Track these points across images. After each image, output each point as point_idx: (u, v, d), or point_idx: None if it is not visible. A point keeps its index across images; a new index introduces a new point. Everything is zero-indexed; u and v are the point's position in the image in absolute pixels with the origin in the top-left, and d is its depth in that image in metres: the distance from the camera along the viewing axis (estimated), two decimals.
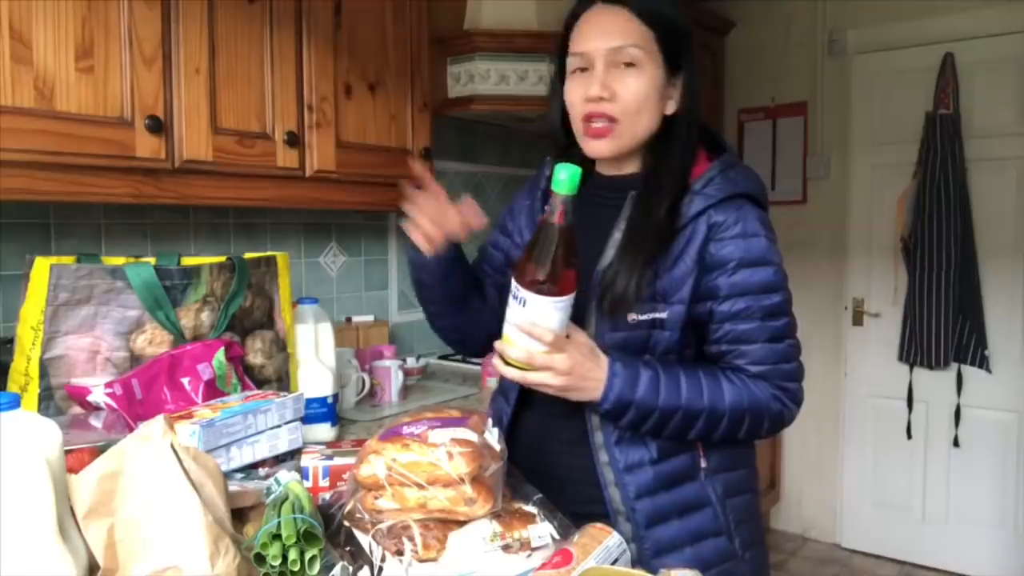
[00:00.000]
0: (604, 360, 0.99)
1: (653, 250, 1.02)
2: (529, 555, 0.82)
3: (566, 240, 0.90)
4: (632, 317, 1.02)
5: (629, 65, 1.03)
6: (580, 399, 1.00)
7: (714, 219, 1.03)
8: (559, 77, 1.11)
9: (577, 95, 1.05)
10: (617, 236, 1.06)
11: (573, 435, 1.08)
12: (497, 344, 0.97)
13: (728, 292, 1.03)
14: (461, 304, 1.20)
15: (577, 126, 1.07)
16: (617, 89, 1.02)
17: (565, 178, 0.89)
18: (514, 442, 1.11)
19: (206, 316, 1.31)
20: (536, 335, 0.92)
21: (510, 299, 0.93)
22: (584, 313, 1.03)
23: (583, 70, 1.05)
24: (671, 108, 1.08)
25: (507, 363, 0.96)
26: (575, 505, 0.99)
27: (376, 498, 0.85)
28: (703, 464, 1.08)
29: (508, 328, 0.94)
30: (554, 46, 1.12)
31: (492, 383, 1.99)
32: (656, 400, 1.00)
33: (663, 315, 1.03)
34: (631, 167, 1.12)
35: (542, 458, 1.10)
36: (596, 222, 1.08)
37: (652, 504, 1.05)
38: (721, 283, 1.03)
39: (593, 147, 1.06)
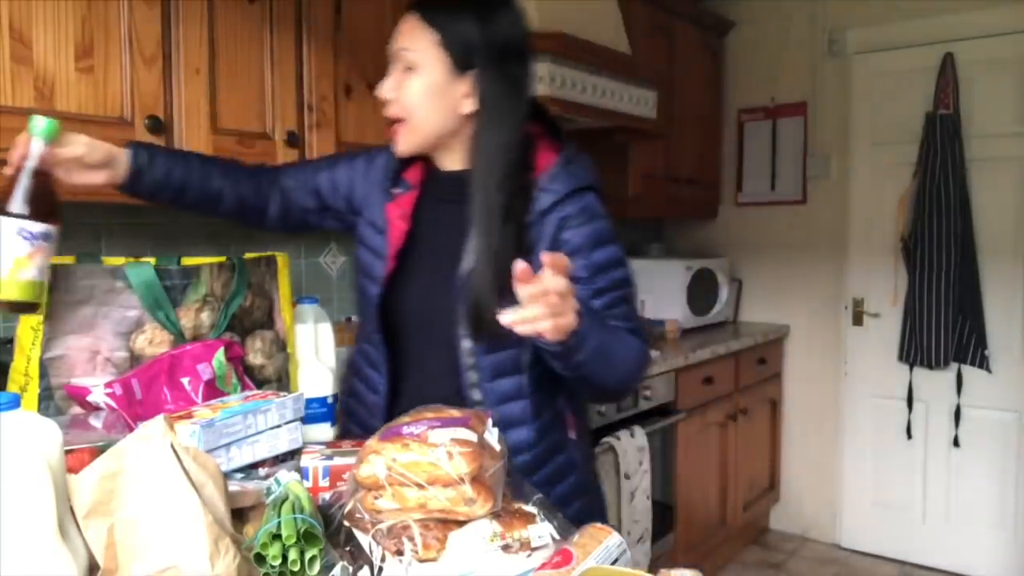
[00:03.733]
0: None
1: (508, 252, 1.05)
2: (529, 555, 0.82)
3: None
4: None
5: (410, 68, 1.10)
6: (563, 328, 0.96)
7: (563, 212, 1.11)
8: None
9: None
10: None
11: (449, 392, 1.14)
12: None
13: (590, 272, 1.11)
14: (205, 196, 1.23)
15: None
16: (399, 91, 1.11)
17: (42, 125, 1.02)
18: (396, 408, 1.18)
19: (206, 316, 1.31)
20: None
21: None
22: (456, 316, 1.10)
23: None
24: (469, 107, 1.11)
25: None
26: None
27: (376, 498, 0.85)
28: (572, 436, 1.21)
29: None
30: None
31: None
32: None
33: None
34: (459, 163, 1.17)
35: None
36: (450, 219, 1.12)
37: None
38: (581, 266, 1.10)
39: (394, 146, 1.16)
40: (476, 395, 1.14)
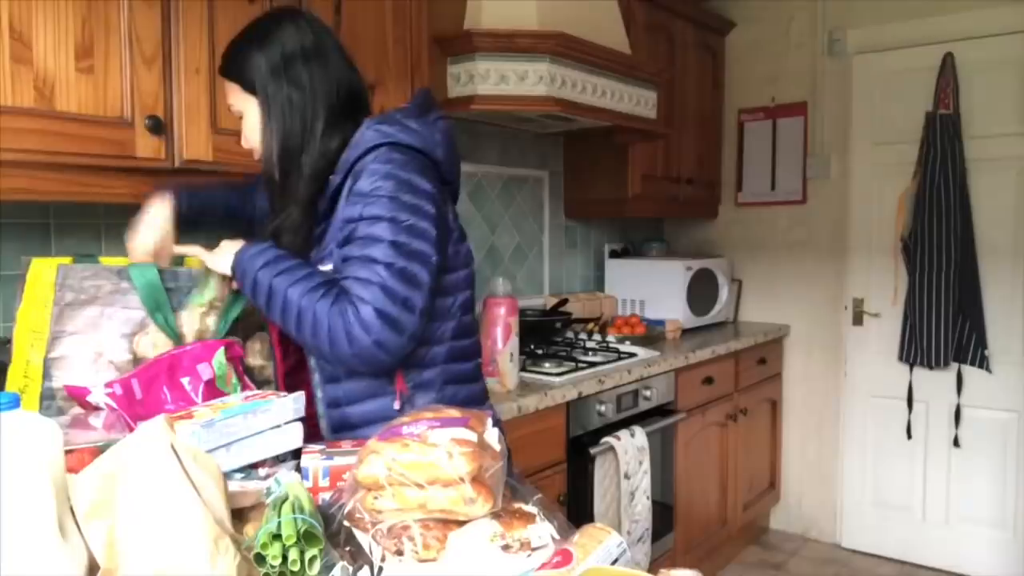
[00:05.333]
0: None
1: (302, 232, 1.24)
2: (529, 555, 0.82)
3: None
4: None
5: (240, 118, 1.26)
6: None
7: (355, 171, 1.18)
8: None
9: None
10: None
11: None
12: None
13: (342, 225, 1.17)
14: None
15: None
16: (245, 139, 1.28)
17: None
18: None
19: (211, 321, 1.30)
20: None
21: None
22: None
23: None
24: None
25: None
26: None
27: (376, 498, 0.85)
28: (396, 406, 1.21)
29: None
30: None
31: (491, 382, 1.99)
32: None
33: (328, 267, 1.18)
34: None
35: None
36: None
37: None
38: (339, 222, 1.18)
39: None
40: (311, 362, 1.27)
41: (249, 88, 1.22)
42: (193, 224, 1.36)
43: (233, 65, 1.24)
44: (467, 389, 1.28)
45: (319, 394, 1.27)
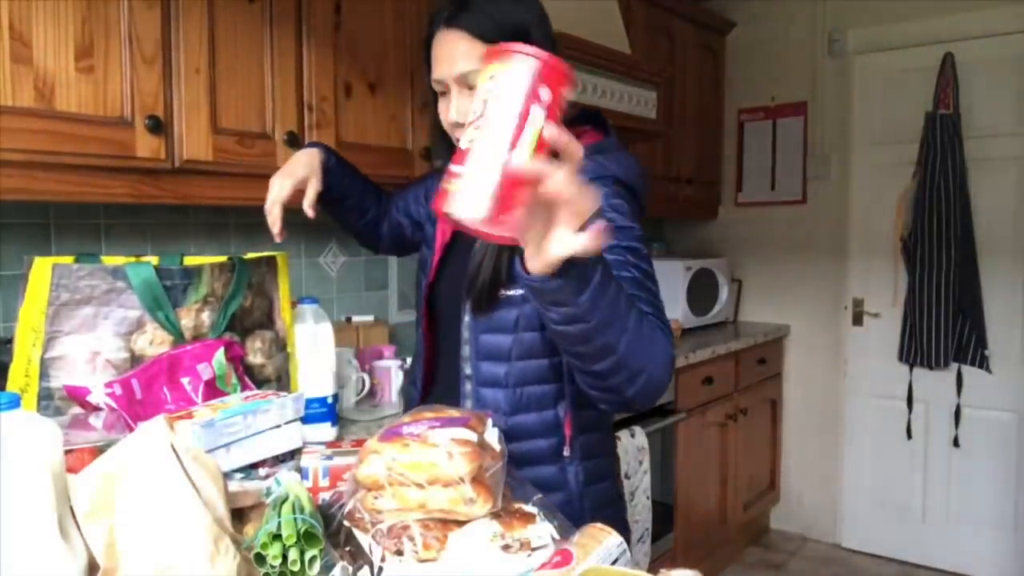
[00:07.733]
0: None
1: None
2: (529, 555, 0.82)
3: None
4: (502, 292, 1.09)
5: None
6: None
7: None
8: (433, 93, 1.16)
9: (443, 117, 1.12)
10: None
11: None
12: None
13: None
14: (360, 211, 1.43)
15: (454, 142, 1.13)
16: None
17: None
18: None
19: (206, 316, 1.30)
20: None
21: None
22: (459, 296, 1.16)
23: (444, 92, 1.11)
24: None
25: None
26: None
27: (376, 498, 0.85)
28: (566, 452, 1.14)
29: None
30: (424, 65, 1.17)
31: None
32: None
33: (522, 291, 1.07)
34: None
35: None
36: None
37: None
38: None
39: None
40: (467, 369, 1.18)
41: None
42: (329, 190, 1.32)
43: (488, 22, 1.03)
44: (599, 436, 1.21)
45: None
